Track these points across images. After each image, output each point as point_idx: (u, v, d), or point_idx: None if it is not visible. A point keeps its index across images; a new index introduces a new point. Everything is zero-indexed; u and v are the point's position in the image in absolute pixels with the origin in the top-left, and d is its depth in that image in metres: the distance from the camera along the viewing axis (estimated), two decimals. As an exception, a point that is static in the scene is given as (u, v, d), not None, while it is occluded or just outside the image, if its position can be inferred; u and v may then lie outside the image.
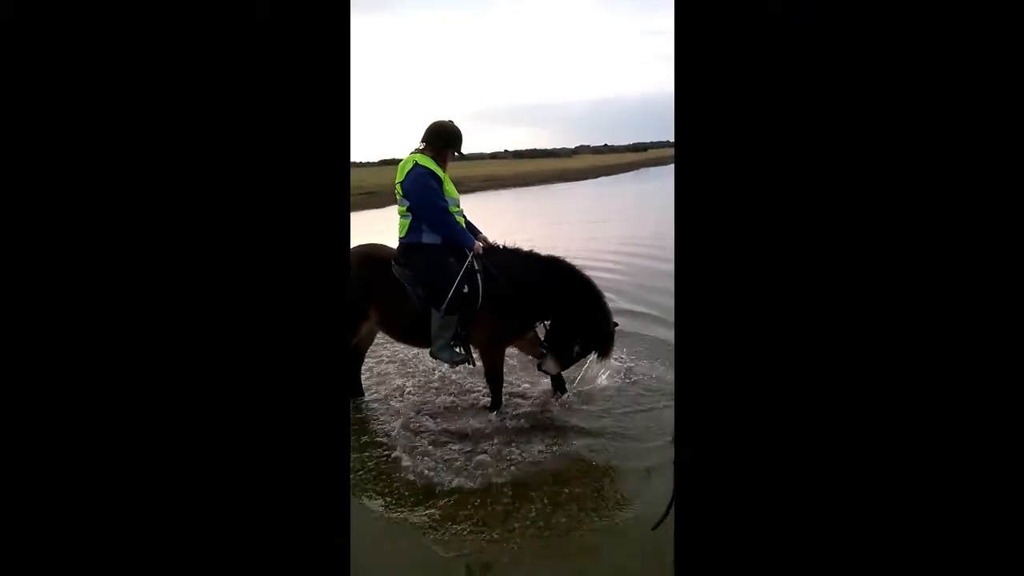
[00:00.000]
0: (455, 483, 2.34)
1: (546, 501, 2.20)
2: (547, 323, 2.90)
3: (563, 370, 2.93)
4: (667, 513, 0.93)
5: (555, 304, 2.80)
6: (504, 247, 2.91)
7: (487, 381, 2.99)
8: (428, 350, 2.86)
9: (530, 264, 2.85)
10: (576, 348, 2.80)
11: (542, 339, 2.91)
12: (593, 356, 2.92)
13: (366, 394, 3.21)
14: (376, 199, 15.10)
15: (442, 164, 2.79)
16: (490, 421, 2.84)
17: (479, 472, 2.41)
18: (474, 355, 2.90)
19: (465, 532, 2.04)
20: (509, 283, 2.75)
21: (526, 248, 2.95)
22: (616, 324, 2.85)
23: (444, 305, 2.66)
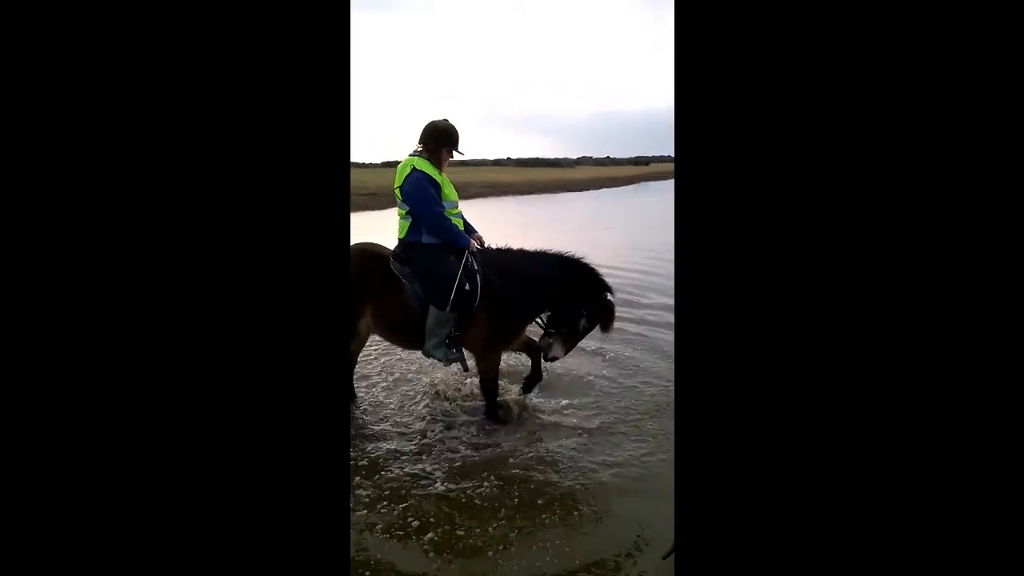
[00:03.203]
0: (445, 486, 2.37)
1: (540, 503, 2.23)
2: (543, 316, 2.90)
3: (568, 352, 2.93)
4: (672, 550, 0.94)
5: (553, 292, 2.80)
6: (496, 248, 2.92)
7: (481, 389, 2.98)
8: (420, 350, 2.85)
9: (522, 260, 2.86)
10: (583, 324, 2.82)
11: (544, 328, 2.91)
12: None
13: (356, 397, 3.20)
14: (378, 200, 15.10)
15: (438, 165, 2.79)
16: (484, 427, 2.86)
17: (469, 475, 2.43)
18: (468, 359, 2.89)
19: (455, 528, 2.06)
20: (506, 283, 2.77)
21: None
22: (613, 292, 2.86)
23: (449, 302, 2.66)
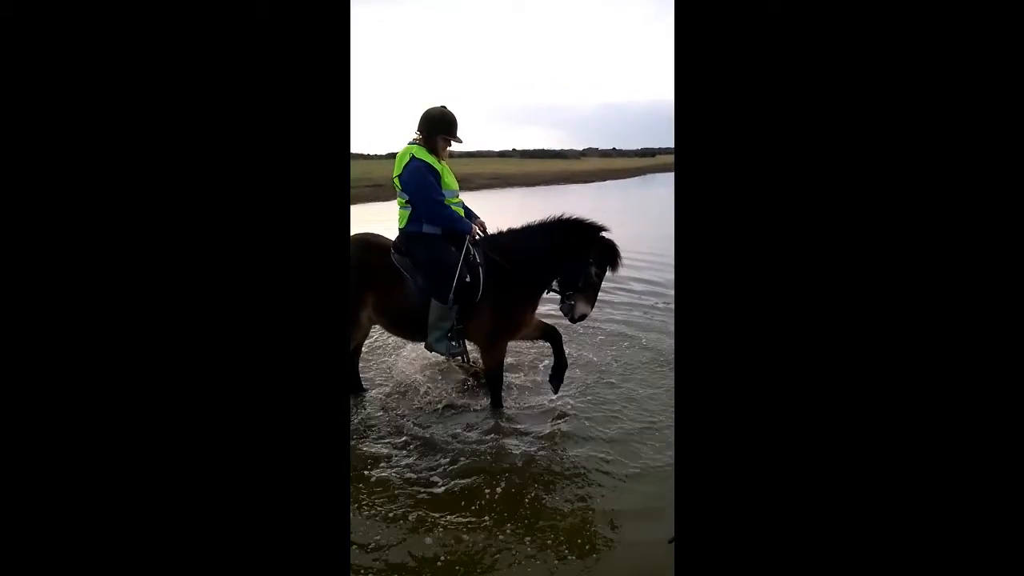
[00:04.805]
0: (447, 482, 2.34)
1: (539, 497, 2.19)
2: (555, 283, 2.85)
3: (593, 304, 2.87)
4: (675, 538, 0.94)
5: (554, 260, 2.76)
6: (491, 234, 2.86)
7: (487, 381, 2.96)
8: (423, 343, 2.82)
9: (514, 243, 2.81)
10: (594, 271, 2.78)
11: (560, 293, 2.86)
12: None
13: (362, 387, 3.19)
14: (384, 191, 15.14)
15: (436, 152, 2.74)
16: (487, 419, 2.84)
17: (471, 470, 2.40)
18: (470, 351, 2.85)
19: (456, 530, 2.03)
20: (510, 267, 2.72)
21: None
22: (607, 229, 2.81)
23: (450, 295, 2.63)
